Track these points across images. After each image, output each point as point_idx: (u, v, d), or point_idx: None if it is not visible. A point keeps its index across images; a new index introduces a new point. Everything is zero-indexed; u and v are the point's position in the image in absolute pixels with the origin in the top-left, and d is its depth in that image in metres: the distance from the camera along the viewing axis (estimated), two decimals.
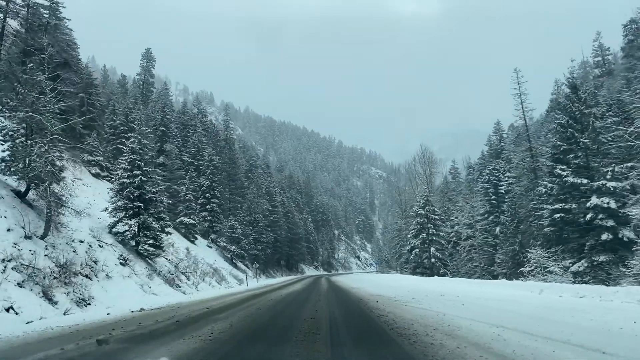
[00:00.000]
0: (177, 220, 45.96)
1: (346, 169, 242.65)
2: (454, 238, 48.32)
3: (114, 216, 22.79)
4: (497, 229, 49.79)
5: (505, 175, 52.93)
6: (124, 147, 23.82)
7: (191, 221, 45.42)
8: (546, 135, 44.45)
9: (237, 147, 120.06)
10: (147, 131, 51.69)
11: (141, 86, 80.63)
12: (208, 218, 52.89)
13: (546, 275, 24.63)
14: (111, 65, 79.27)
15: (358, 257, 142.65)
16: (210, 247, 49.10)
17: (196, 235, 47.21)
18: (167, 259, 27.95)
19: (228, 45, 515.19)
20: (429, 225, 42.45)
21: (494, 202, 51.13)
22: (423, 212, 42.54)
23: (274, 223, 68.68)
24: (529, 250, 28.60)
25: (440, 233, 43.34)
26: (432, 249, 41.51)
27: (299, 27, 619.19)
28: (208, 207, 53.32)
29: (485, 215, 51.43)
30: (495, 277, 45.32)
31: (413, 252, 42.59)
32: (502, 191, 51.35)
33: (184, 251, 36.27)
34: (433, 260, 41.16)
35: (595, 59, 55.87)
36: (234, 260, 49.85)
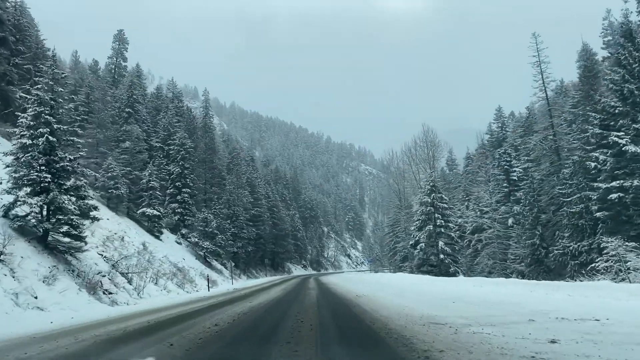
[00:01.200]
0: (138, 212, 38.88)
1: (335, 165, 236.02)
2: (457, 232, 41.86)
3: (9, 193, 15.74)
4: (510, 220, 43.52)
5: (519, 159, 46.72)
6: (28, 97, 16.70)
7: (155, 212, 38.33)
8: (570, 111, 38.09)
9: (220, 139, 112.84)
10: (99, 106, 44.58)
11: (113, 70, 73.13)
12: (178, 210, 45.80)
13: (630, 272, 18.05)
14: (94, 58, 71.59)
15: (348, 256, 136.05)
16: (180, 243, 42.04)
17: (162, 229, 40.12)
18: (102, 255, 20.94)
19: (214, 41, 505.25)
20: (436, 215, 35.91)
21: (505, 189, 44.81)
22: (429, 200, 35.99)
23: (256, 217, 61.67)
24: (604, 240, 21.92)
25: (450, 224, 36.83)
26: (441, 243, 34.96)
27: (287, 23, 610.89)
28: (178, 197, 46.22)
29: (497, 206, 45.12)
30: (508, 276, 38.98)
31: (418, 247, 36.00)
32: (515, 177, 45.09)
33: (138, 247, 29.26)
34: (442, 256, 34.62)
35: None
36: (207, 259, 42.83)
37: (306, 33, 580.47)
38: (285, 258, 79.15)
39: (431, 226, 35.52)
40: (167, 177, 47.28)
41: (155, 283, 23.53)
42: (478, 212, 44.77)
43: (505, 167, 45.78)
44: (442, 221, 35.70)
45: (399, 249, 76.79)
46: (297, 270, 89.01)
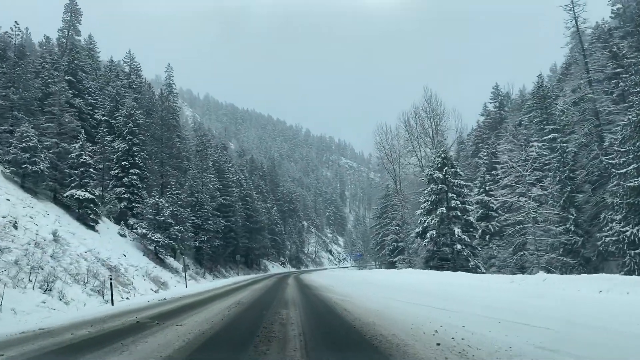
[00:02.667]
0: (65, 194, 30.02)
1: (315, 159, 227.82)
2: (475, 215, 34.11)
3: None
4: (530, 203, 36.07)
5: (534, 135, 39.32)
6: None
7: (87, 195, 29.49)
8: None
9: (191, 129, 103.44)
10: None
11: (64, 44, 63.12)
12: (124, 196, 37.00)
13: None
14: (45, 34, 61.81)
15: (330, 252, 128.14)
16: (124, 235, 33.27)
17: (98, 218, 31.31)
18: None
19: (187, 30, 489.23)
20: (449, 195, 28.02)
21: (520, 167, 37.36)
22: (440, 176, 28.09)
23: (225, 207, 53.06)
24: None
25: (467, 206, 28.90)
26: (457, 230, 27.02)
27: (263, 14, 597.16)
28: (125, 180, 37.39)
29: (510, 190, 37.64)
30: (521, 271, 31.56)
31: (427, 235, 27.99)
32: (533, 152, 37.76)
33: (44, 238, 20.57)
34: (458, 247, 26.72)
35: None
36: (160, 255, 34.17)
37: (284, 24, 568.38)
38: (261, 254, 70.64)
39: (443, 209, 27.63)
40: (112, 155, 38.42)
41: (47, 290, 14.98)
42: (486, 197, 37.14)
43: (521, 142, 38.31)
44: (458, 202, 27.85)
45: (387, 242, 69.11)
46: (275, 268, 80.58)
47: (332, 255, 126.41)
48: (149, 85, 59.12)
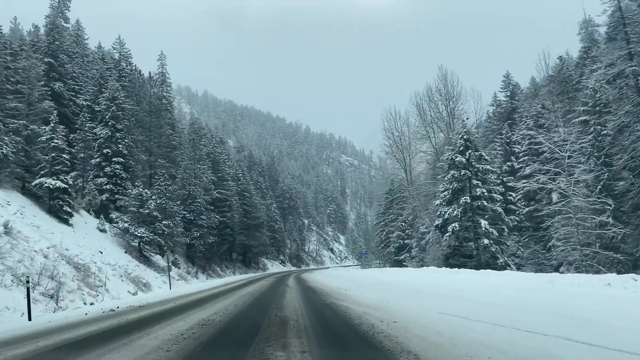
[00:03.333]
0: (34, 183, 26.37)
1: (315, 156, 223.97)
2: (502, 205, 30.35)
3: None
4: (555, 196, 32.44)
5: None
6: None
7: (59, 185, 25.82)
8: None
9: (187, 120, 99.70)
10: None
11: (52, 30, 59.30)
12: (107, 187, 33.30)
13: None
14: (33, 23, 58.26)
15: (331, 250, 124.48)
16: (104, 230, 29.60)
17: (73, 210, 27.62)
18: None
19: (184, 27, 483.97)
20: (473, 181, 24.23)
21: (542, 153, 33.77)
22: (464, 161, 24.28)
23: (221, 202, 49.41)
24: None
25: (494, 195, 25.01)
26: (483, 222, 23.23)
27: (261, 10, 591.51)
28: (107, 169, 33.71)
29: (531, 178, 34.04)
30: (540, 271, 28.00)
31: (448, 228, 24.18)
32: (571, 134, 34.24)
33: None
34: (485, 241, 22.93)
35: None
36: (144, 252, 30.51)
37: (282, 19, 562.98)
38: (260, 252, 66.96)
39: (467, 198, 23.87)
40: (93, 142, 34.75)
41: None
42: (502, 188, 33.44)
43: (545, 125, 34.65)
44: (484, 190, 24.06)
45: (392, 240, 65.68)
46: (274, 267, 76.98)
47: (334, 254, 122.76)
48: (139, 72, 55.41)
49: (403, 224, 64.19)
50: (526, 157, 35.98)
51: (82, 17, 64.09)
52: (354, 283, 19.16)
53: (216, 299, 17.11)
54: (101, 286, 20.32)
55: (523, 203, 35.74)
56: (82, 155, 35.08)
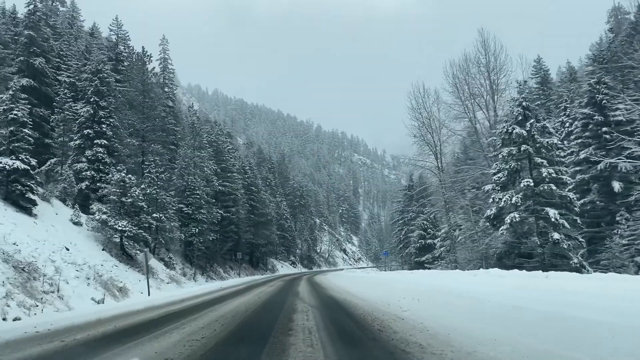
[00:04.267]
0: None
1: (326, 155, 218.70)
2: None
3: None
4: (617, 185, 27.05)
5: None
6: None
7: (18, 165, 20.92)
8: None
9: (193, 117, 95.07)
10: None
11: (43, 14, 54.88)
12: (87, 173, 28.39)
13: None
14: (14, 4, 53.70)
15: (344, 251, 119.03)
16: (79, 222, 24.66)
17: (38, 197, 22.72)
18: None
19: (193, 23, 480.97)
20: (536, 159, 18.63)
21: (602, 134, 28.24)
22: (524, 133, 18.63)
23: (225, 195, 44.42)
24: None
25: (562, 177, 19.36)
26: (551, 212, 17.67)
27: (272, 7, 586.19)
28: (88, 153, 28.81)
29: (586, 165, 28.55)
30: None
31: (506, 220, 18.47)
32: (620, 119, 28.80)
33: None
34: (556, 236, 17.31)
35: None
36: (127, 250, 25.48)
37: (292, 17, 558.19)
38: (268, 252, 61.83)
39: (529, 181, 18.36)
40: (73, 121, 29.93)
41: None
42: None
43: (601, 103, 29.02)
44: (550, 171, 18.51)
45: (413, 240, 60.31)
46: (284, 268, 71.83)
47: (347, 255, 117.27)
48: (137, 55, 50.43)
49: (425, 222, 58.80)
50: (579, 140, 30.39)
51: (88, 12, 59.45)
52: (397, 292, 13.70)
53: (188, 317, 11.87)
54: (52, 292, 15.31)
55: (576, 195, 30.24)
56: (61, 139, 30.41)
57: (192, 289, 26.31)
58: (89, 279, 18.84)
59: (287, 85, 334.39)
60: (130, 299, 19.99)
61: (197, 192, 36.31)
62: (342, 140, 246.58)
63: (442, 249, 53.65)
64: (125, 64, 45.03)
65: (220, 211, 41.72)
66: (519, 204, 18.30)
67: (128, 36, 56.19)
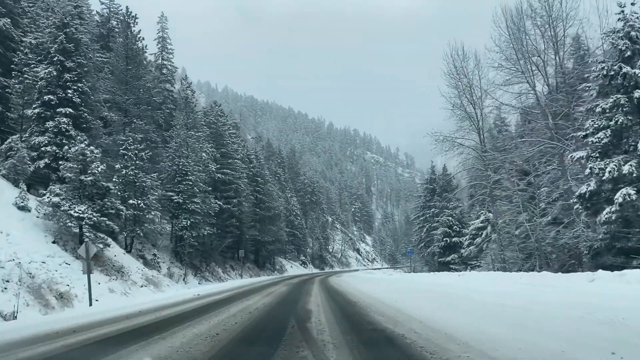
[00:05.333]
0: None
1: (338, 152, 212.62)
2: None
3: None
4: None
5: None
6: None
7: None
8: None
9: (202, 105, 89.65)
10: None
11: None
12: (48, 149, 22.76)
13: None
14: None
15: (358, 251, 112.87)
16: (25, 207, 19.03)
17: None
18: None
19: (203, 20, 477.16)
20: None
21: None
22: (636, 72, 12.99)
23: (225, 184, 38.73)
24: None
25: None
26: None
27: (282, 2, 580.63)
28: (49, 124, 23.18)
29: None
30: None
31: (616, 198, 12.45)
32: None
33: None
34: None
35: None
36: (86, 240, 19.69)
37: (303, 14, 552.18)
38: (276, 251, 55.98)
39: None
40: (33, 85, 24.35)
41: None
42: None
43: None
44: None
45: (437, 238, 54.11)
46: (294, 269, 65.97)
47: (360, 255, 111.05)
48: (121, 16, 44.20)
49: (450, 218, 52.68)
50: None
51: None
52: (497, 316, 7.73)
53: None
54: None
55: None
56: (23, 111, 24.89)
57: (172, 293, 20.50)
58: (7, 281, 13.14)
59: (298, 83, 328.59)
60: (73, 309, 14.28)
61: (190, 177, 30.58)
62: (354, 138, 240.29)
63: (471, 247, 47.37)
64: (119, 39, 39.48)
65: (219, 202, 36.02)
66: (633, 174, 12.27)
67: (121, 10, 50.56)
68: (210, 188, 33.48)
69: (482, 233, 46.07)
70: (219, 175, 37.55)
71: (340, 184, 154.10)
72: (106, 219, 19.11)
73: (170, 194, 30.30)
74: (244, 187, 41.79)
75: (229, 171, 38.78)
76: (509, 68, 22.69)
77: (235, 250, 40.53)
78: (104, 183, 19.44)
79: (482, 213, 46.90)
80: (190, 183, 30.53)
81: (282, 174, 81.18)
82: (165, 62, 52.96)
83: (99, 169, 19.13)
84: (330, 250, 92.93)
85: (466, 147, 26.70)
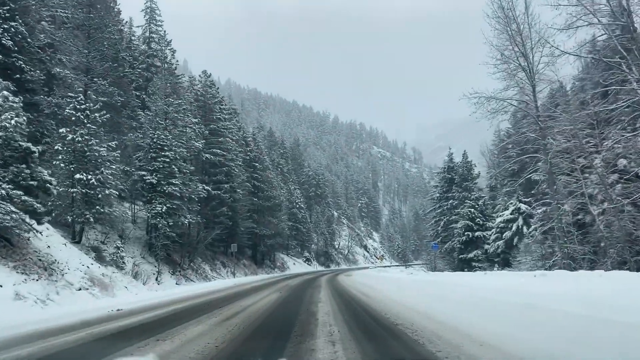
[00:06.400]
0: None
1: (344, 147, 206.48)
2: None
3: None
4: None
5: None
6: None
7: None
8: None
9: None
10: None
11: None
12: None
13: None
14: None
15: (365, 247, 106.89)
16: None
17: None
18: None
19: (205, 13, 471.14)
20: None
21: None
22: None
23: (214, 167, 32.91)
24: None
25: None
26: None
27: None
28: None
29: None
30: None
31: None
32: None
33: None
34: None
35: None
36: None
37: (307, 8, 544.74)
38: (277, 246, 50.07)
39: None
40: None
41: None
42: None
43: None
44: None
45: (457, 232, 48.37)
46: (297, 266, 60.17)
47: (368, 252, 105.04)
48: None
49: (472, 209, 46.77)
50: None
51: None
52: None
53: None
54: None
55: None
56: None
57: (124, 299, 14.66)
58: None
59: (303, 77, 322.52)
60: None
61: (167, 153, 24.75)
62: (360, 132, 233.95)
63: (499, 242, 41.42)
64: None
65: (206, 187, 30.21)
66: None
67: None
68: (193, 168, 27.59)
69: (511, 226, 40.11)
70: (207, 155, 31.73)
71: (347, 177, 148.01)
72: (22, 193, 13.27)
73: (143, 173, 24.52)
74: (239, 172, 35.93)
75: (219, 151, 32.92)
76: (575, 5, 16.65)
77: (228, 245, 34.68)
78: (21, 143, 13.60)
79: (511, 203, 40.98)
80: (168, 160, 24.70)
81: (285, 165, 75.34)
82: (153, 35, 47.08)
83: (13, 122, 13.27)
84: (336, 246, 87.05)
85: (518, 107, 20.70)
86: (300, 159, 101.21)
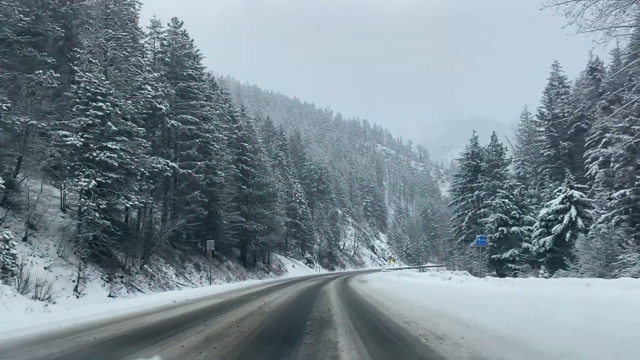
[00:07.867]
0: None
1: (347, 144, 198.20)
2: None
3: None
4: None
5: None
6: None
7: None
8: None
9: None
10: None
11: None
12: None
13: None
14: None
15: (372, 248, 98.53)
16: None
17: None
18: None
19: (204, 10, 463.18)
20: None
21: None
22: None
23: (183, 138, 24.87)
24: None
25: None
26: None
27: None
28: None
29: None
30: None
31: None
32: None
33: None
34: None
35: None
36: None
37: (307, 5, 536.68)
38: (272, 245, 41.81)
39: None
40: None
41: None
42: None
43: None
44: None
45: (489, 227, 40.59)
46: (297, 269, 51.93)
47: (375, 253, 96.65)
48: None
49: (506, 200, 38.83)
50: None
51: None
52: None
53: None
54: None
55: None
56: None
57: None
58: None
59: (304, 75, 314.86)
60: None
61: (101, 103, 16.73)
62: (364, 130, 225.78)
63: (547, 238, 33.20)
64: None
65: (171, 163, 22.18)
66: None
67: None
68: (144, 130, 19.50)
69: (562, 217, 31.97)
70: (173, 122, 23.66)
71: (351, 174, 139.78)
72: None
73: (64, 133, 16.53)
74: (219, 149, 27.84)
75: (190, 117, 24.84)
76: None
77: (201, 239, 26.57)
78: None
79: (560, 190, 32.98)
80: (101, 114, 16.69)
81: (285, 158, 67.25)
82: None
83: None
84: (341, 247, 78.82)
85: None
86: (302, 152, 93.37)
